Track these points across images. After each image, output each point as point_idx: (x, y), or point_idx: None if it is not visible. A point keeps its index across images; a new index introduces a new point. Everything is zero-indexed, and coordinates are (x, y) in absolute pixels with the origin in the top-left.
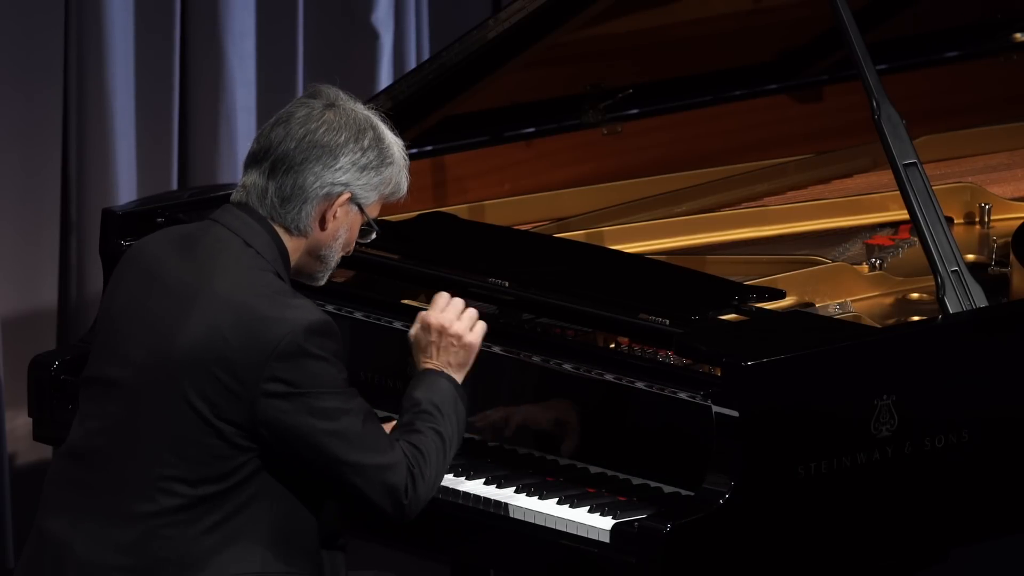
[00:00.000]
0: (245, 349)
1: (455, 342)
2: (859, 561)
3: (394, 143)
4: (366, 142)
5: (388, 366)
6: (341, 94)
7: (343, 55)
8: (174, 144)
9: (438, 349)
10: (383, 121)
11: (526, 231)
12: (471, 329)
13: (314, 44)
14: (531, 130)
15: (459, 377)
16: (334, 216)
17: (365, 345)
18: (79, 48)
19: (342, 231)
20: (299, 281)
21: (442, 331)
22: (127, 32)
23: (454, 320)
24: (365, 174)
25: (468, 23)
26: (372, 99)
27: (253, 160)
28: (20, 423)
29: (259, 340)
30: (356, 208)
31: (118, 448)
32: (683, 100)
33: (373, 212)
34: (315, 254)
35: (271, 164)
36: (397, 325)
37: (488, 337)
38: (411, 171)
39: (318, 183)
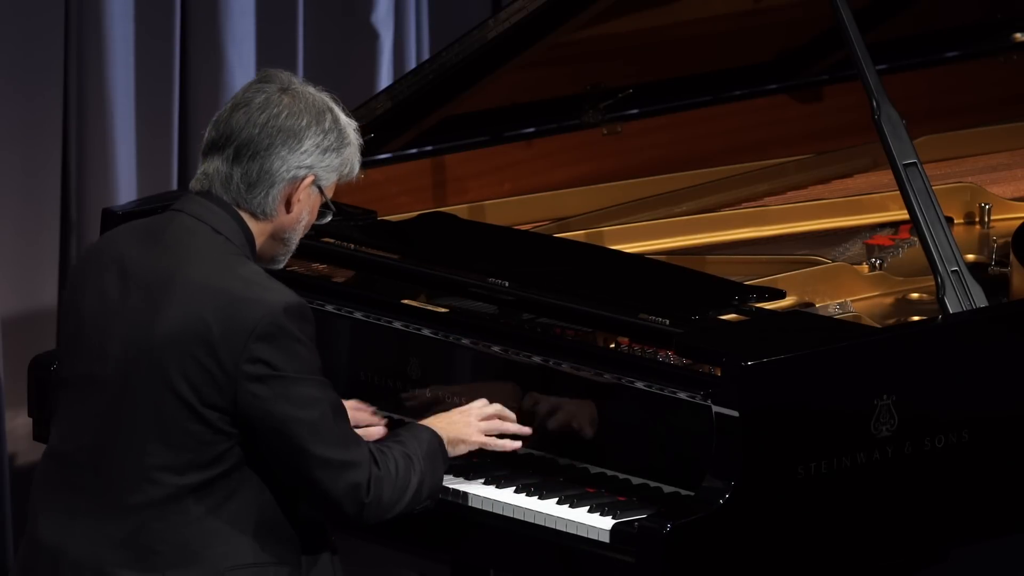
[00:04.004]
0: (225, 332)
1: (459, 417)
2: (859, 561)
3: (348, 124)
4: (327, 124)
5: (388, 366)
6: (293, 78)
7: (343, 55)
8: (174, 144)
9: (446, 420)
10: (336, 103)
11: (526, 231)
12: (479, 420)
13: (314, 45)
14: (531, 130)
15: (448, 448)
16: (298, 199)
17: (365, 345)
18: (79, 49)
19: (304, 213)
20: (264, 267)
21: (462, 411)
22: (127, 33)
23: (475, 408)
24: (327, 156)
25: (468, 23)
26: (372, 99)
27: (213, 147)
28: (20, 423)
29: (238, 322)
30: (317, 190)
31: (104, 442)
32: (683, 100)
33: (330, 193)
34: (279, 237)
35: (235, 150)
36: (397, 325)
37: (488, 337)
38: (411, 171)
39: (284, 167)
